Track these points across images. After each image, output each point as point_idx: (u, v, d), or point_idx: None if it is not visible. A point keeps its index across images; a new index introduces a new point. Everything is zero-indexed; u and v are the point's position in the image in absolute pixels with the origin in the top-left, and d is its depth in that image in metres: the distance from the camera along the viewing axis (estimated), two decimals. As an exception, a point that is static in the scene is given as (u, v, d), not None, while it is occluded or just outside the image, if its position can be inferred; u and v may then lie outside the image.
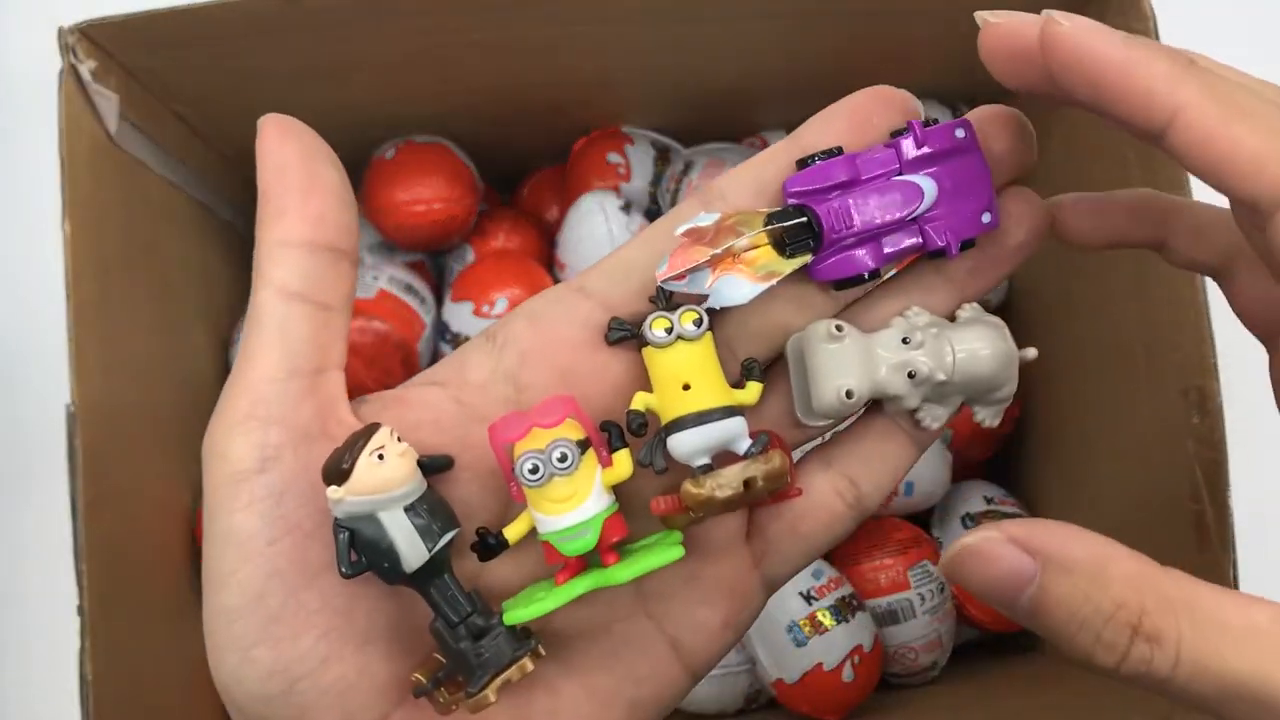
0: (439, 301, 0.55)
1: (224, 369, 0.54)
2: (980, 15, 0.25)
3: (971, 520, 0.52)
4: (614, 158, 0.54)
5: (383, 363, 0.52)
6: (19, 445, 0.57)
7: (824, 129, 0.26)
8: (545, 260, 0.56)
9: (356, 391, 0.27)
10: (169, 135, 0.49)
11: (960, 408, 0.26)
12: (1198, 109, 0.22)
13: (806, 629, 0.47)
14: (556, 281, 0.53)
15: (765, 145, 0.56)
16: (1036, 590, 0.22)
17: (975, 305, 0.26)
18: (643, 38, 0.47)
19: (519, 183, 0.60)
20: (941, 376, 0.25)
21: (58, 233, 0.40)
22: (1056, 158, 0.49)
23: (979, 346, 0.25)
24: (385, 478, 0.23)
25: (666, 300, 0.25)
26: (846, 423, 0.27)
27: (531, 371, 0.25)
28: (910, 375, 0.24)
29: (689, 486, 0.23)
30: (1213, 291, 0.39)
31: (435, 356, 0.55)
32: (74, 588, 0.39)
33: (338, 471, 0.23)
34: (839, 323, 0.24)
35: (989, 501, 0.52)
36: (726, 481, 0.23)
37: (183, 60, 0.44)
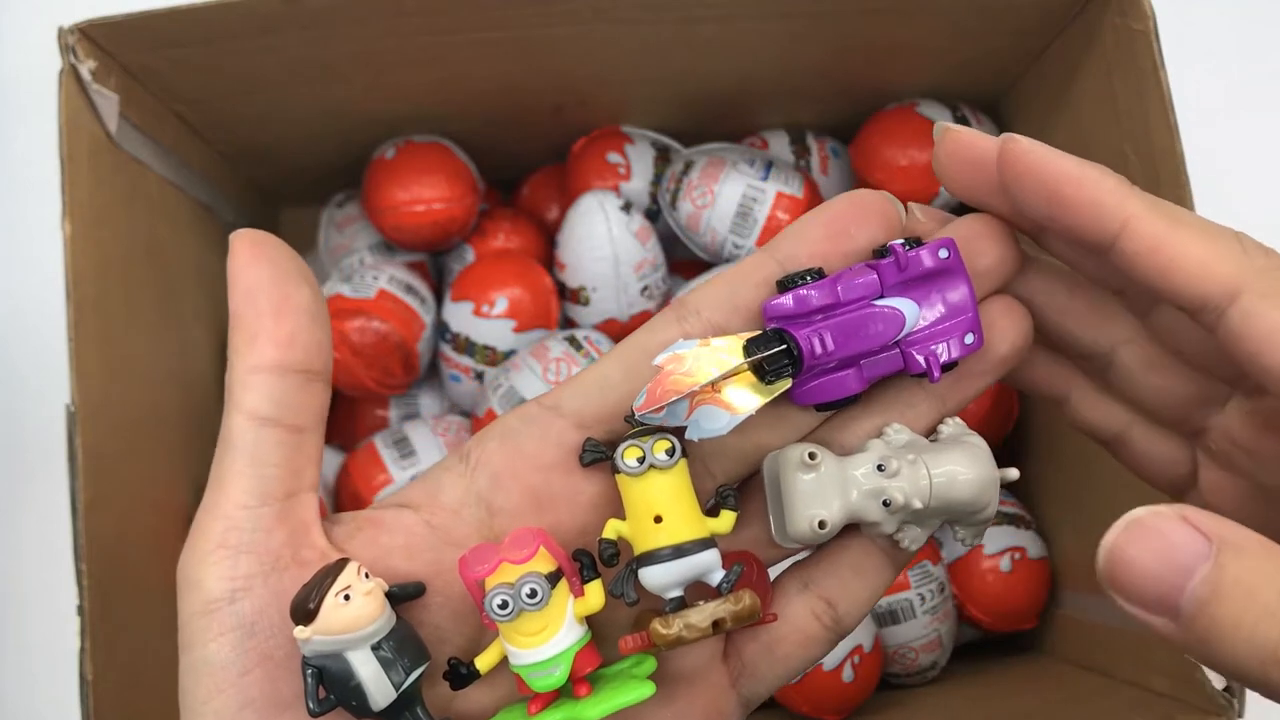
0: (439, 301, 0.55)
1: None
2: (940, 125, 0.26)
3: (971, 520, 0.52)
4: (614, 158, 0.54)
5: (383, 363, 0.52)
6: (19, 445, 0.57)
7: (800, 240, 0.25)
8: (545, 260, 0.56)
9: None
10: (169, 135, 0.49)
11: (940, 525, 0.26)
12: (1146, 219, 0.23)
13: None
14: (557, 281, 0.53)
15: (765, 146, 0.56)
16: (1213, 570, 0.20)
17: (958, 420, 0.26)
18: (643, 38, 0.47)
19: (519, 183, 0.60)
20: (918, 504, 0.24)
21: (58, 233, 0.40)
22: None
23: (958, 472, 0.25)
24: (351, 618, 0.23)
25: (640, 422, 0.24)
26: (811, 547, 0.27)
27: (504, 494, 0.25)
28: (885, 504, 0.24)
29: (658, 627, 0.24)
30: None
31: (435, 356, 0.55)
32: (74, 588, 0.39)
33: (304, 611, 0.23)
34: (813, 449, 0.24)
35: (989, 501, 0.52)
36: (695, 624, 0.24)
37: (183, 60, 0.44)
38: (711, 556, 0.24)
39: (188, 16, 0.41)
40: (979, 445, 0.25)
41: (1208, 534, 0.20)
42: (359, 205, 0.58)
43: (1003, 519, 0.52)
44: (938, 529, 0.26)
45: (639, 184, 0.54)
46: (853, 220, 0.25)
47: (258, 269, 0.26)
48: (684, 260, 0.56)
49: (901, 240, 0.25)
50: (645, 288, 0.52)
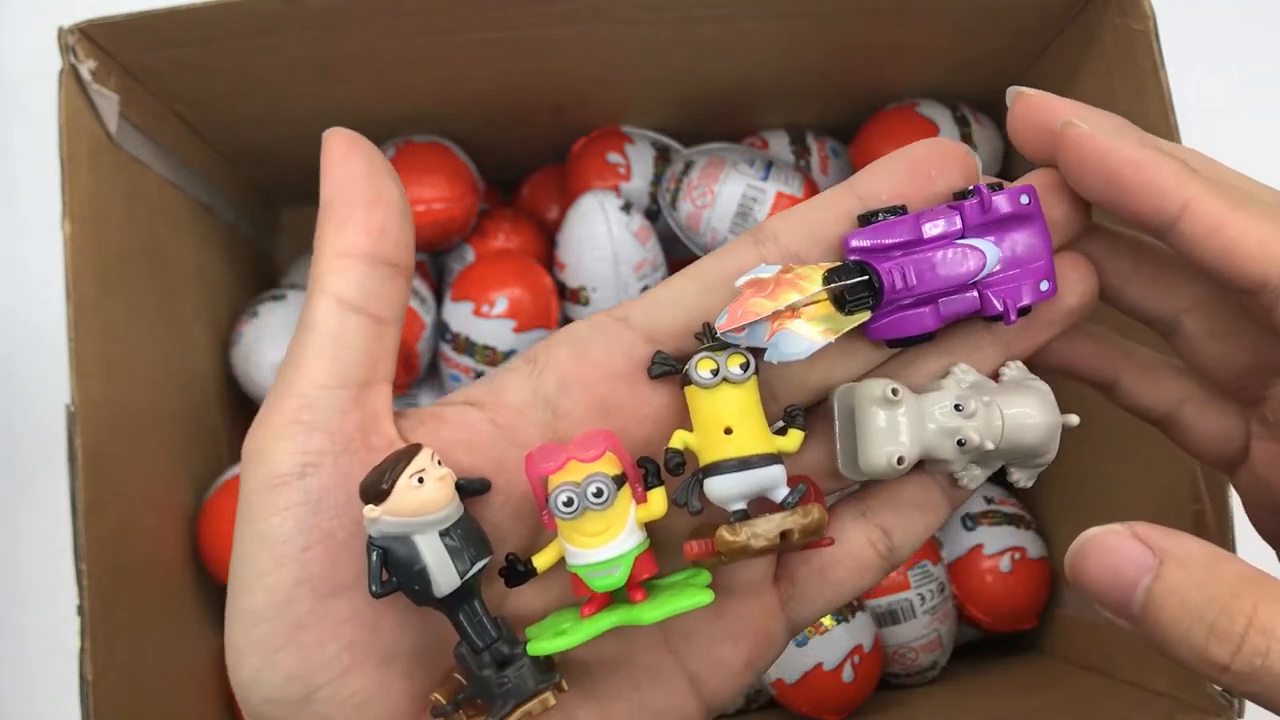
0: (439, 301, 0.55)
1: (224, 369, 0.54)
2: (1013, 89, 0.27)
3: (972, 521, 0.52)
4: (614, 158, 0.54)
5: (383, 363, 0.52)
6: (19, 445, 0.57)
7: (882, 177, 0.26)
8: (545, 260, 0.56)
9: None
10: (169, 135, 0.49)
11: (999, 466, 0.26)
12: (1206, 200, 0.23)
13: (807, 629, 0.47)
14: (557, 281, 0.53)
15: (765, 146, 0.56)
16: (1153, 581, 0.22)
17: (1019, 364, 0.26)
18: (643, 38, 0.47)
19: (519, 183, 0.60)
20: (990, 446, 0.25)
21: (58, 233, 0.40)
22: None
23: (1028, 415, 0.25)
24: (423, 501, 0.23)
25: (712, 337, 0.24)
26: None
27: (570, 399, 0.25)
28: (960, 443, 0.25)
29: (724, 534, 0.23)
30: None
31: (435, 356, 0.55)
32: (74, 588, 0.39)
33: (376, 491, 0.23)
34: (895, 385, 0.24)
35: (989, 501, 0.52)
36: (763, 532, 0.23)
37: (183, 60, 0.44)
38: (778, 471, 0.24)
39: (188, 16, 0.41)
40: (1044, 389, 0.25)
41: (1154, 548, 0.23)
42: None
43: (1002, 519, 0.52)
44: (960, 529, 0.26)
45: (639, 184, 0.54)
46: (934, 164, 0.26)
47: (353, 162, 0.26)
48: (684, 260, 0.56)
49: (985, 183, 0.25)
50: (645, 288, 0.52)
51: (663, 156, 0.55)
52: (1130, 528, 0.23)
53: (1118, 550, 0.23)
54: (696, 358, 0.24)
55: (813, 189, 0.52)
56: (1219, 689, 0.38)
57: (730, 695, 0.27)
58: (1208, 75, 0.49)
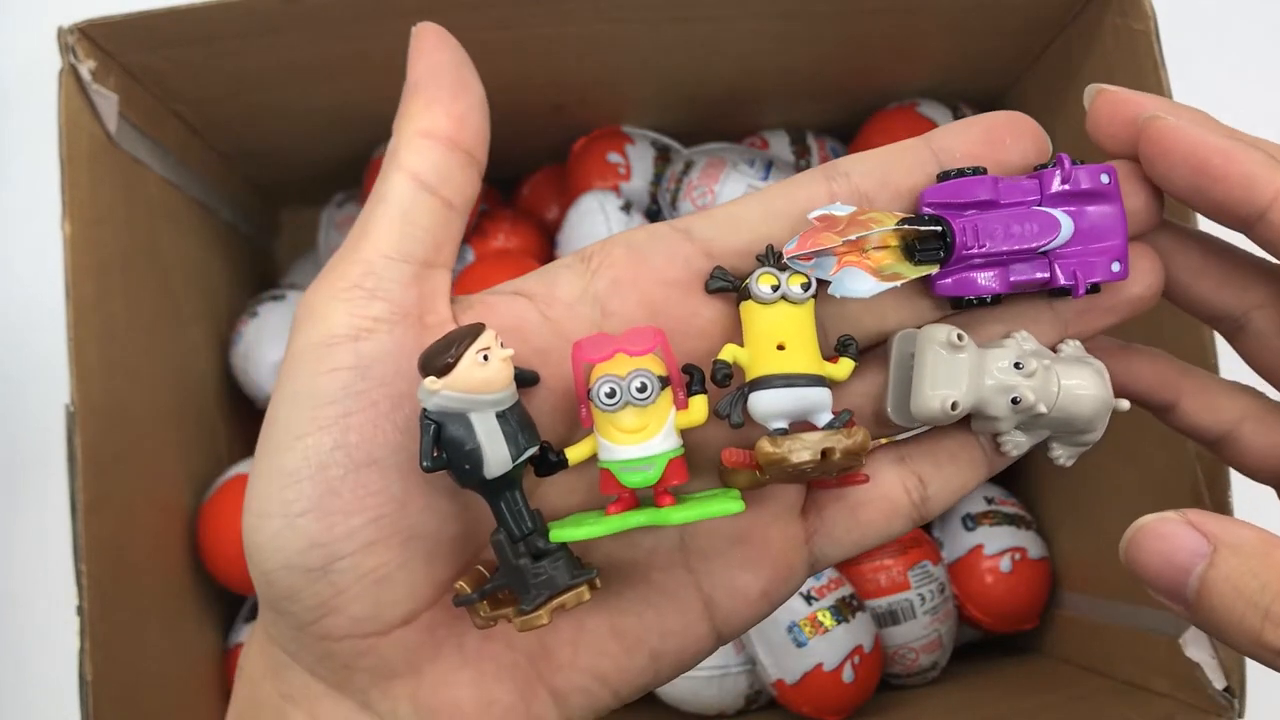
0: (439, 301, 0.55)
1: (224, 369, 0.54)
2: (1091, 86, 0.26)
3: (972, 521, 0.52)
4: (614, 157, 0.54)
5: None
6: (19, 445, 0.57)
7: (958, 137, 0.26)
8: (545, 260, 0.56)
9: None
10: (169, 135, 0.49)
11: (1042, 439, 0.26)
12: None
13: (807, 629, 0.47)
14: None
15: (765, 146, 0.56)
16: (1207, 568, 0.23)
17: (1078, 343, 0.26)
18: (643, 38, 0.47)
19: (519, 183, 0.60)
20: (1043, 409, 0.24)
21: (58, 233, 0.40)
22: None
23: (1083, 386, 0.25)
24: (487, 378, 0.22)
25: (775, 260, 0.24)
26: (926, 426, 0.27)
27: (621, 300, 0.25)
28: (1014, 401, 0.24)
29: (765, 444, 0.23)
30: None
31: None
32: (74, 588, 0.39)
33: (440, 364, 0.22)
34: (960, 332, 0.24)
35: (989, 502, 0.52)
36: (805, 445, 0.23)
37: (182, 60, 0.44)
38: (824, 394, 0.24)
39: (188, 16, 0.41)
40: (1101, 367, 0.25)
41: (1208, 535, 0.23)
42: (359, 205, 0.58)
43: (1003, 519, 0.52)
44: (960, 530, 0.26)
45: (639, 184, 0.54)
46: (1010, 133, 0.26)
47: (443, 53, 0.26)
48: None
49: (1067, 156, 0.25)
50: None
51: (663, 156, 0.55)
52: (1184, 514, 0.23)
53: (1172, 537, 0.23)
54: (759, 272, 0.24)
55: (813, 189, 0.52)
56: (1220, 689, 0.38)
57: (743, 624, 0.27)
58: (1208, 75, 0.49)
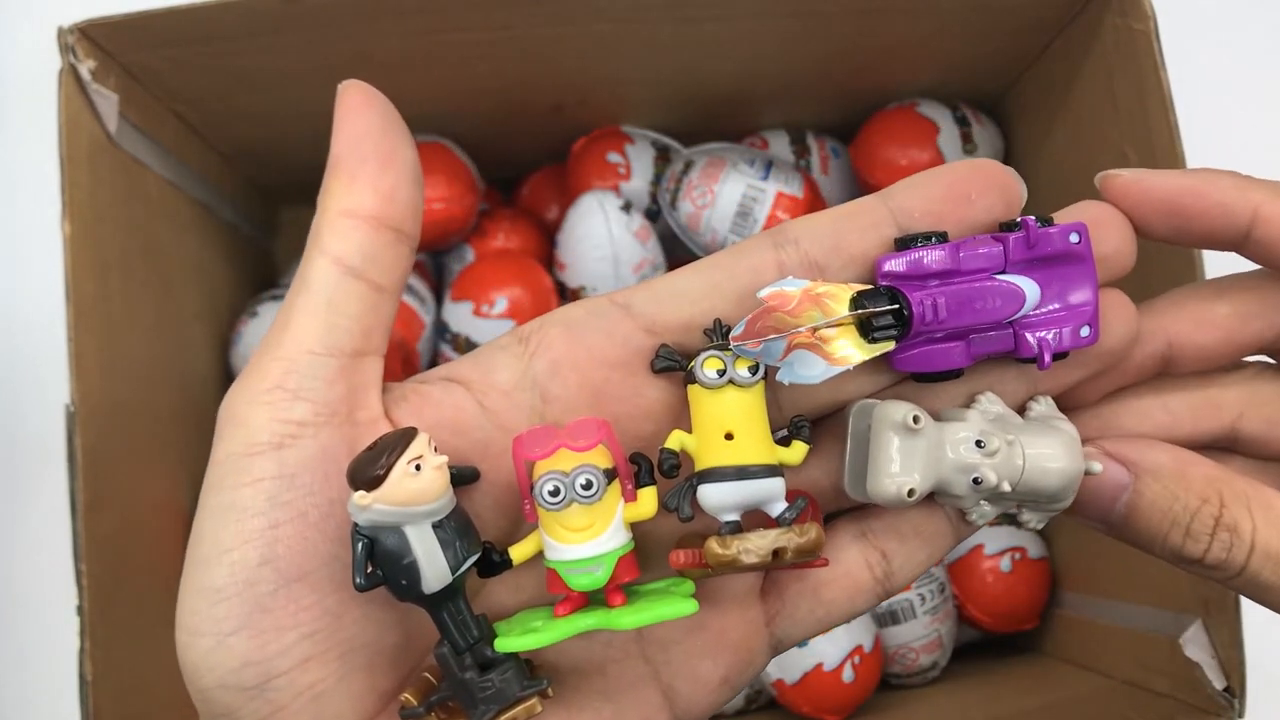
0: (439, 301, 0.55)
1: (224, 369, 0.54)
2: (1100, 175, 0.26)
3: (972, 520, 0.52)
4: (614, 157, 0.54)
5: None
6: (19, 445, 0.57)
7: (917, 194, 0.24)
8: (545, 260, 0.56)
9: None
10: (169, 135, 0.49)
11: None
12: (1273, 204, 0.24)
13: (806, 629, 0.47)
14: (557, 281, 0.53)
15: (765, 145, 0.56)
16: (1131, 495, 0.24)
17: (1049, 400, 0.25)
18: (643, 38, 0.47)
19: (519, 183, 0.60)
20: (1006, 488, 0.23)
21: (58, 233, 0.40)
22: (1062, 153, 0.49)
23: (1051, 458, 0.24)
24: (420, 489, 0.21)
25: (722, 336, 0.23)
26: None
27: (561, 384, 0.24)
28: (976, 481, 0.23)
29: (714, 546, 0.22)
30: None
31: (435, 356, 0.55)
32: (74, 588, 0.39)
33: (369, 476, 0.21)
34: (917, 412, 0.23)
35: (989, 501, 0.52)
36: (754, 549, 0.22)
37: (183, 60, 0.44)
38: (777, 484, 0.23)
39: (188, 16, 0.41)
40: (1070, 433, 0.24)
41: (1126, 463, 0.25)
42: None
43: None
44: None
45: (639, 184, 0.54)
46: (975, 186, 0.24)
47: (368, 117, 0.24)
48: (684, 260, 0.56)
49: (1033, 217, 0.24)
50: (645, 288, 0.52)
51: (663, 156, 0.55)
52: (1101, 447, 0.25)
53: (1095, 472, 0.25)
54: (703, 355, 0.23)
55: (813, 188, 0.52)
56: (1220, 689, 0.38)
57: (705, 711, 0.26)
58: (1208, 75, 0.49)
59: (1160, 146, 0.40)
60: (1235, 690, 0.38)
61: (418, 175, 0.25)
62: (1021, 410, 0.25)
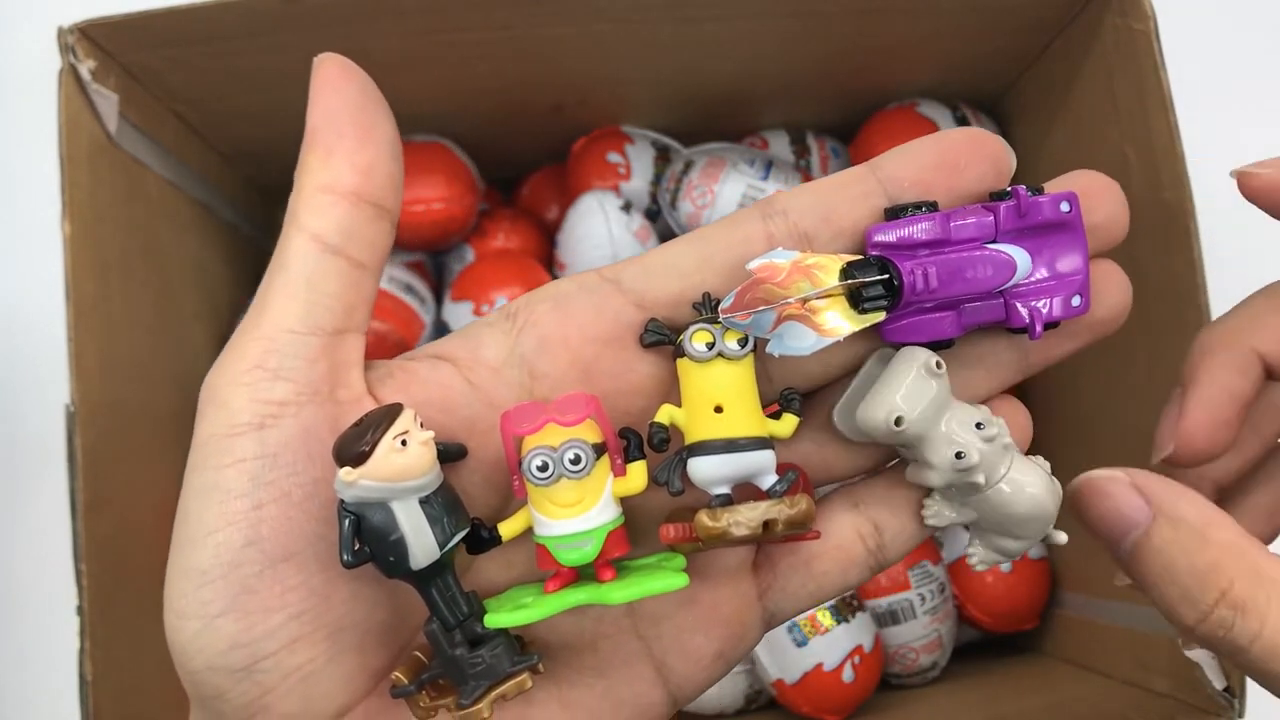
0: (439, 301, 0.55)
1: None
2: (1235, 171, 0.26)
3: (972, 520, 0.52)
4: (614, 157, 0.54)
5: (383, 363, 0.52)
6: (19, 445, 0.57)
7: (907, 163, 0.24)
8: (545, 260, 0.56)
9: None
10: (169, 135, 0.49)
11: (963, 525, 0.25)
12: None
13: (807, 629, 0.47)
14: (556, 281, 0.53)
15: (765, 145, 0.56)
16: (1142, 535, 0.23)
17: (1047, 465, 0.25)
18: (643, 38, 0.47)
19: (519, 183, 0.60)
20: (980, 479, 0.23)
21: (58, 233, 0.40)
22: (1062, 153, 0.49)
23: (1030, 484, 0.24)
24: (406, 465, 0.21)
25: (712, 310, 0.23)
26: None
27: (550, 360, 0.24)
28: (958, 455, 0.23)
29: (704, 519, 0.22)
30: (1214, 289, 0.39)
31: (435, 356, 0.55)
32: (74, 588, 0.39)
33: (355, 452, 0.21)
34: (940, 360, 0.23)
35: (989, 501, 0.52)
36: (744, 520, 0.22)
37: (182, 60, 0.44)
38: (767, 457, 0.23)
39: (188, 16, 0.41)
40: (1058, 490, 0.24)
41: (1151, 500, 0.23)
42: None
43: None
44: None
45: (639, 184, 0.54)
46: (965, 155, 0.24)
47: (345, 91, 0.23)
48: (684, 260, 0.56)
49: (1024, 186, 0.23)
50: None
51: (663, 156, 0.55)
52: (1131, 476, 0.24)
53: (1115, 497, 0.24)
54: (692, 329, 0.23)
55: (813, 189, 0.52)
56: (1220, 689, 0.38)
57: (699, 687, 0.26)
58: (1207, 75, 0.49)
59: (1160, 146, 0.40)
60: (1235, 690, 0.38)
61: (397, 149, 0.24)
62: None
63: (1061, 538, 0.25)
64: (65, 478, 0.40)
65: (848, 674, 0.47)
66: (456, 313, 0.52)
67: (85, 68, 0.41)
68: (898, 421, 0.23)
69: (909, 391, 0.23)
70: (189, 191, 0.52)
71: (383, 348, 0.51)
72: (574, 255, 0.52)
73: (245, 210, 0.58)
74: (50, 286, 0.41)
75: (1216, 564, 0.22)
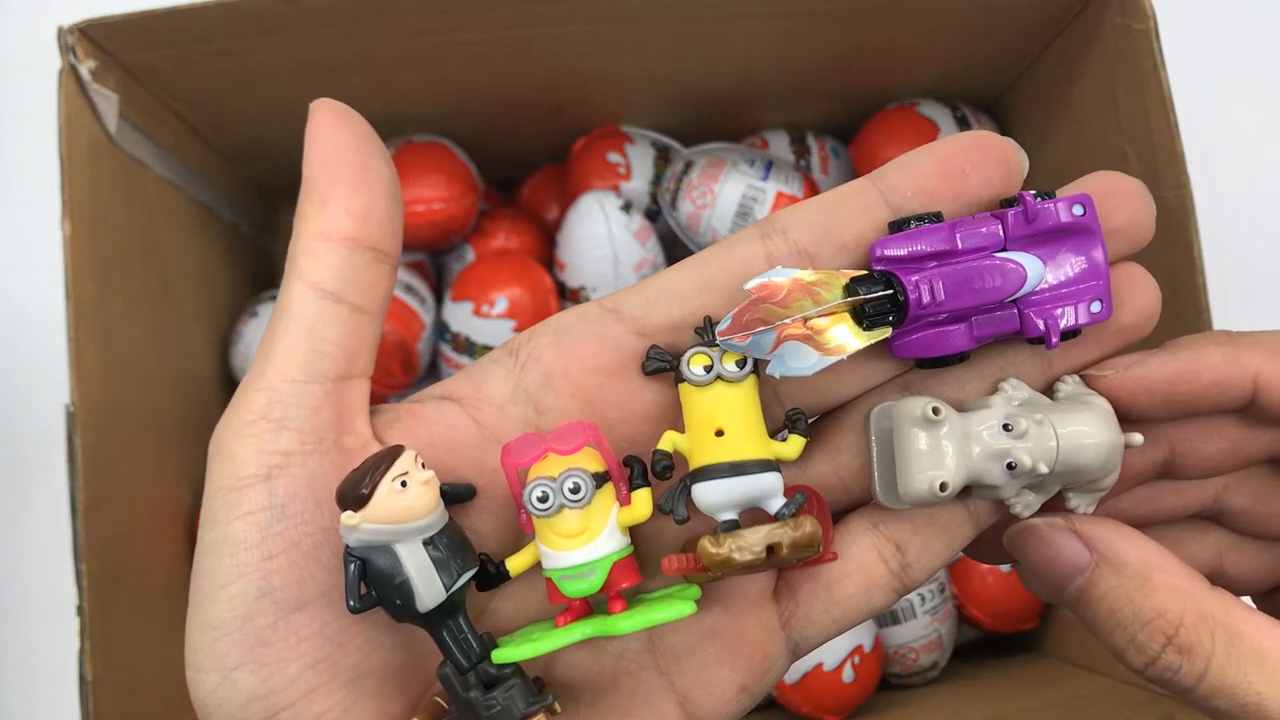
0: (439, 301, 0.55)
1: (224, 369, 0.54)
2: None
3: (972, 520, 0.52)
4: (614, 157, 0.54)
5: (382, 363, 0.52)
6: (19, 445, 0.57)
7: (909, 172, 0.23)
8: (545, 260, 0.56)
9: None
10: (169, 135, 0.49)
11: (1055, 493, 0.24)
12: (1272, 366, 0.23)
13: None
14: (557, 281, 0.53)
15: (765, 145, 0.56)
16: (1085, 582, 0.23)
17: (1076, 378, 0.24)
18: (643, 38, 0.47)
19: (519, 183, 0.60)
20: (1044, 469, 0.22)
21: (58, 233, 0.40)
22: (1062, 153, 0.49)
23: (1085, 434, 0.22)
24: (407, 507, 0.21)
25: (712, 333, 0.23)
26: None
27: (553, 393, 0.24)
28: (1010, 466, 0.22)
29: (706, 545, 0.21)
30: (1214, 288, 0.39)
31: (435, 356, 0.55)
32: (74, 588, 0.39)
33: (355, 496, 0.21)
34: (935, 404, 0.22)
35: (989, 501, 0.52)
36: (748, 545, 0.21)
37: (182, 60, 0.44)
38: (773, 480, 0.22)
39: (188, 16, 0.41)
40: (1103, 406, 0.23)
41: (1092, 547, 0.23)
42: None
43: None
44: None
45: (639, 184, 0.54)
46: (970, 161, 0.23)
47: (340, 137, 0.24)
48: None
49: (1033, 191, 0.23)
50: (645, 288, 0.52)
51: (663, 156, 0.55)
52: (1071, 523, 0.23)
53: (1056, 547, 0.23)
54: (690, 353, 0.23)
55: (813, 189, 0.52)
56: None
57: None
58: (1208, 75, 0.49)
59: (1160, 146, 0.40)
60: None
61: (395, 191, 0.24)
62: (1050, 394, 0.24)
63: (1138, 439, 0.24)
64: (65, 478, 0.40)
65: (848, 674, 0.47)
66: (456, 313, 0.52)
67: (85, 67, 0.41)
68: (942, 488, 0.22)
69: (931, 452, 0.22)
70: (189, 191, 0.52)
71: (382, 348, 0.51)
72: (574, 255, 0.52)
73: (245, 210, 0.58)
74: (50, 286, 0.41)
75: (1161, 609, 0.22)
